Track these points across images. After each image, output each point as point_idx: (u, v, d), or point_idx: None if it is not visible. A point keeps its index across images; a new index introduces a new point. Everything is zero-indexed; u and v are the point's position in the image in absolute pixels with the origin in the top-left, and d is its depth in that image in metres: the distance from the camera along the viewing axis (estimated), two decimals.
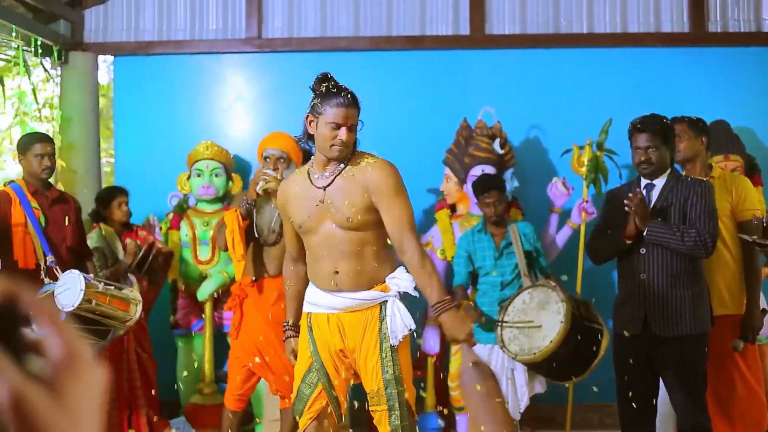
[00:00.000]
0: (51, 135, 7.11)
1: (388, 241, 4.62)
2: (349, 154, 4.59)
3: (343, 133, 4.49)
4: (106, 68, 11.61)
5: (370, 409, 4.65)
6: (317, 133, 4.54)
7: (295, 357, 4.85)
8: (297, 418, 4.75)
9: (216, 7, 8.84)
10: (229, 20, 8.82)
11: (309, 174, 4.67)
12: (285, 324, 4.95)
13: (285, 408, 6.26)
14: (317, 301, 4.68)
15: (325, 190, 4.57)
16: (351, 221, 4.50)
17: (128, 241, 7.27)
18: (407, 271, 4.59)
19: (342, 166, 4.58)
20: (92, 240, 7.10)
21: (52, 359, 1.05)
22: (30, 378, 1.01)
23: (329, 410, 4.67)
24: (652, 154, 5.38)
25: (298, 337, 4.86)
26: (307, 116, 4.61)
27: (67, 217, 6.32)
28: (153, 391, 7.47)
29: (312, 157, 4.74)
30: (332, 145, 4.51)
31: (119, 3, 8.88)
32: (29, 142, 6.29)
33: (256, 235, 6.27)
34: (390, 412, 4.54)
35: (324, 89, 4.56)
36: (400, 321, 4.52)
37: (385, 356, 4.52)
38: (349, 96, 4.54)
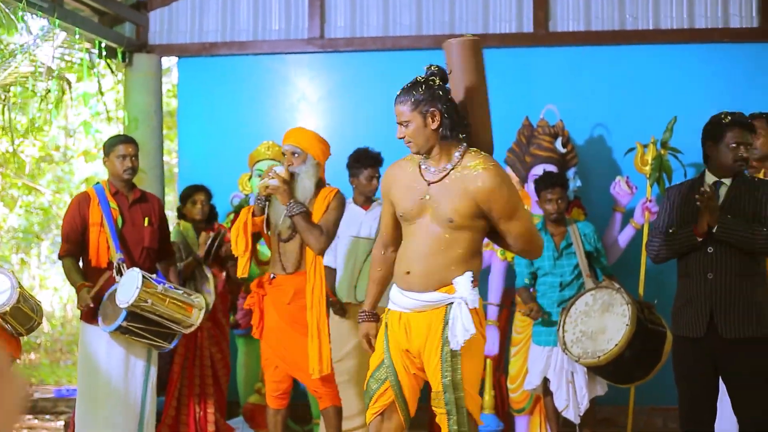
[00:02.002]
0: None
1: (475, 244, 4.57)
2: (428, 147, 4.49)
3: (397, 130, 4.51)
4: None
5: (433, 407, 4.58)
6: None
7: (368, 341, 4.87)
8: (365, 409, 4.73)
9: (279, 7, 8.88)
10: (291, 20, 8.85)
11: (420, 164, 4.60)
12: (361, 311, 4.93)
13: (325, 408, 6.25)
14: (393, 298, 4.65)
15: (430, 185, 4.52)
16: (453, 222, 4.45)
17: (202, 234, 7.49)
18: (472, 278, 4.49)
19: (450, 166, 4.49)
20: (171, 235, 7.24)
21: None
22: None
23: (396, 408, 4.62)
24: (749, 151, 5.28)
25: (373, 322, 4.88)
26: None
27: (147, 218, 6.41)
28: (221, 394, 7.54)
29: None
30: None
31: (183, 5, 8.96)
32: (113, 144, 6.43)
33: (266, 231, 6.26)
34: (448, 416, 4.47)
35: None
36: (460, 326, 4.39)
37: (445, 361, 4.44)
38: (398, 93, 4.52)
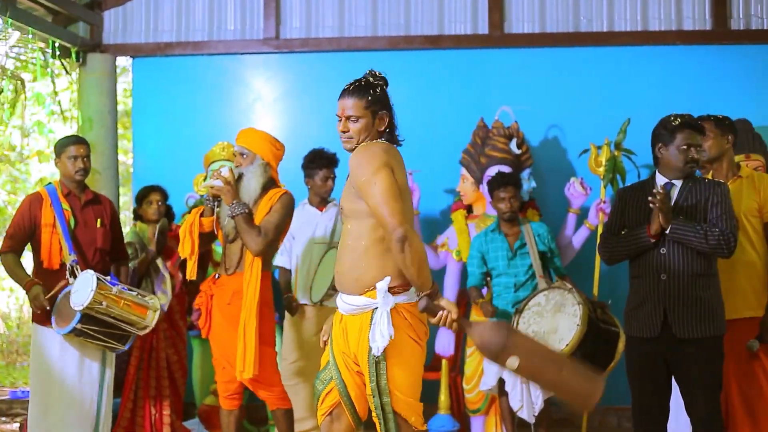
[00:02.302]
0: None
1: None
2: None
3: (340, 124, 4.51)
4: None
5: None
6: None
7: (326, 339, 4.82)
8: (316, 410, 4.72)
9: (234, 7, 8.87)
10: (247, 21, 8.84)
11: None
12: None
13: (272, 410, 6.25)
14: (337, 300, 4.64)
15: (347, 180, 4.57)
16: (344, 210, 4.50)
17: (149, 228, 7.53)
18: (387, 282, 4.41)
19: None
20: (127, 236, 7.22)
21: None
22: None
23: (344, 408, 4.61)
24: (699, 153, 5.31)
25: None
26: None
27: (99, 219, 6.35)
28: (178, 396, 7.49)
29: None
30: (340, 137, 4.54)
31: (138, 5, 8.93)
32: (64, 145, 6.34)
33: (215, 231, 6.27)
34: (379, 420, 4.47)
35: None
36: (378, 331, 4.36)
37: (371, 366, 4.41)
38: (350, 86, 4.53)
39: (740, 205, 5.59)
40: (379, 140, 4.51)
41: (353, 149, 4.51)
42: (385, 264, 4.42)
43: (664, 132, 5.33)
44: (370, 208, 4.34)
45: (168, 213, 7.75)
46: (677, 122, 5.28)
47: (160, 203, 7.57)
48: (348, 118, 4.48)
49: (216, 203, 6.21)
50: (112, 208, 6.56)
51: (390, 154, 4.44)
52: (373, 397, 4.43)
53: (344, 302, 4.52)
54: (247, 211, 5.98)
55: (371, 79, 4.56)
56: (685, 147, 5.24)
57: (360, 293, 4.44)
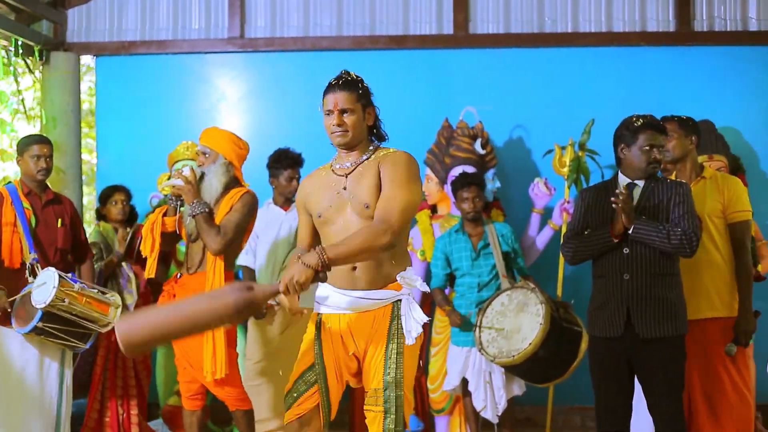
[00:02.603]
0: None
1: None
2: (357, 141, 4.53)
3: (333, 117, 4.47)
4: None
5: (365, 408, 4.53)
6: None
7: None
8: (285, 409, 4.64)
9: (198, 6, 8.83)
10: (211, 20, 8.80)
11: (332, 167, 4.63)
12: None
13: (233, 411, 6.24)
14: (331, 301, 4.55)
15: (346, 177, 4.53)
16: (369, 208, 4.42)
17: (120, 231, 7.49)
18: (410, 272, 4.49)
19: (365, 157, 4.53)
20: (90, 236, 7.18)
21: None
22: None
23: (316, 414, 4.56)
24: (661, 153, 5.33)
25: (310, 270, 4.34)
26: None
27: (60, 219, 6.33)
28: (143, 396, 7.46)
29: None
30: (331, 132, 4.50)
31: (102, 3, 8.86)
32: (27, 144, 6.34)
33: (177, 231, 6.27)
34: (386, 415, 4.42)
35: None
36: (412, 319, 4.39)
37: (390, 357, 4.41)
38: (339, 80, 4.51)
39: (704, 206, 5.61)
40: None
41: (347, 144, 4.53)
42: (405, 259, 4.54)
43: (626, 133, 5.35)
44: (382, 195, 4.38)
45: (131, 213, 7.72)
46: (639, 123, 5.31)
47: (124, 203, 7.54)
48: (343, 111, 4.47)
49: (179, 203, 6.20)
50: (73, 208, 6.54)
51: None
52: (386, 390, 4.42)
53: (359, 297, 4.48)
54: (207, 210, 5.97)
55: (354, 76, 4.57)
56: (647, 148, 5.27)
57: (384, 287, 4.46)
